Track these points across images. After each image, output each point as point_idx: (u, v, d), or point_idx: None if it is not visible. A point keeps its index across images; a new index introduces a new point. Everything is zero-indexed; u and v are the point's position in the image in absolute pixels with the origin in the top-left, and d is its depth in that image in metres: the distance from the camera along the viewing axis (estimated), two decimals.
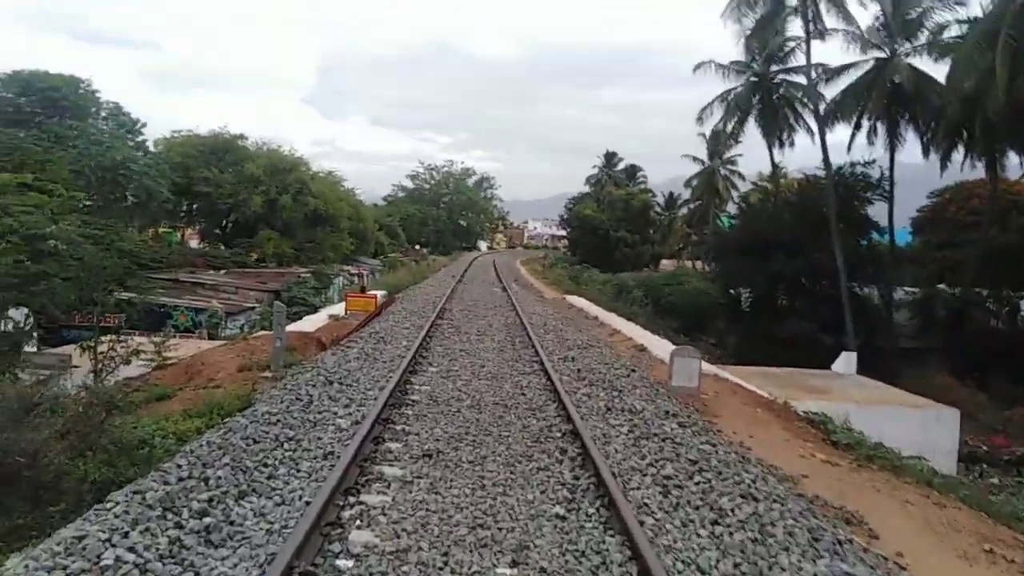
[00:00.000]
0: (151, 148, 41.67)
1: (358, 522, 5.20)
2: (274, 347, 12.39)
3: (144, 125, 39.53)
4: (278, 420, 7.14)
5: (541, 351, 12.66)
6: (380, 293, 24.52)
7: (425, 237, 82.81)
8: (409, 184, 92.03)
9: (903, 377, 27.04)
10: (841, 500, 7.49)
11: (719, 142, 54.03)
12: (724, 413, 11.21)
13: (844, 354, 25.74)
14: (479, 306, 21.21)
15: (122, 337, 13.75)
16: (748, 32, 34.62)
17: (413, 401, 8.98)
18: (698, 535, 5.21)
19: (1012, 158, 34.89)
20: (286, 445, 6.54)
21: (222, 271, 39.84)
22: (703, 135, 57.35)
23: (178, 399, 11.36)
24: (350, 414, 8.02)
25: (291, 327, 18.06)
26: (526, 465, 6.64)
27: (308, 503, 5.24)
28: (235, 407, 9.57)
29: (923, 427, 20.47)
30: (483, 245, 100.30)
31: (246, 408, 9.05)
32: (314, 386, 8.80)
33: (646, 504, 5.77)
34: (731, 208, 58.06)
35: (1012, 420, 27.16)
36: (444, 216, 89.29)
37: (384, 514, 5.33)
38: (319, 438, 6.97)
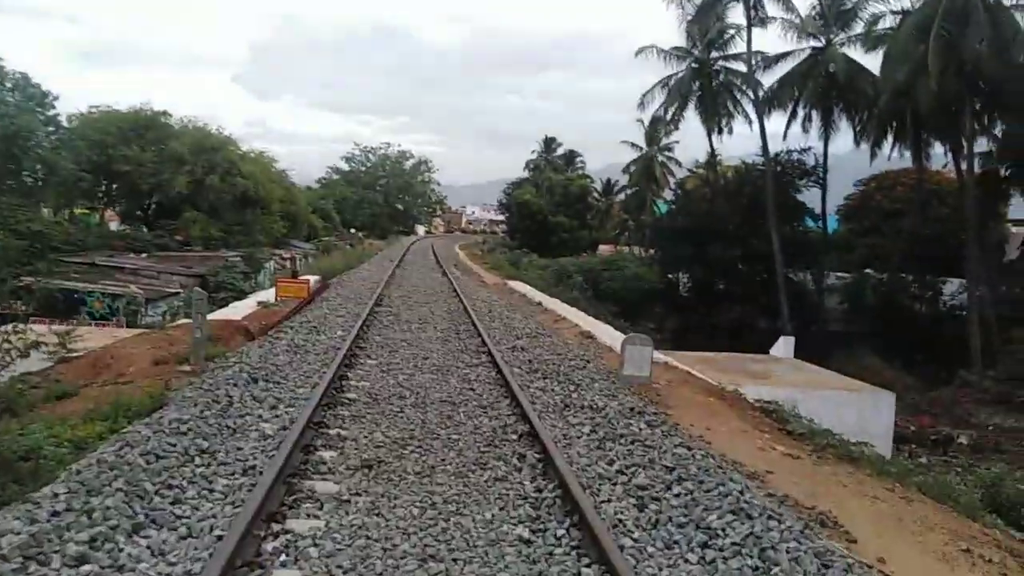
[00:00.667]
0: (64, 124, 38.74)
1: (283, 557, 4.24)
2: (194, 338, 11.14)
3: (56, 98, 36.70)
4: (189, 428, 6.05)
5: (488, 340, 11.79)
6: (313, 278, 23.18)
7: (361, 220, 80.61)
8: (344, 166, 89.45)
9: (835, 360, 27.35)
10: (812, 499, 6.94)
11: (657, 129, 53.86)
12: (678, 403, 10.60)
13: (782, 339, 25.80)
14: (419, 292, 20.18)
15: (19, 326, 12.25)
16: (689, 17, 34.31)
17: (350, 400, 7.99)
18: (686, 561, 4.45)
19: (937, 148, 35.81)
20: (197, 460, 5.48)
21: (143, 255, 37.49)
22: (641, 122, 57.15)
23: (82, 398, 10.04)
24: (277, 417, 6.98)
25: (216, 315, 16.68)
26: (481, 475, 5.77)
27: (220, 536, 4.24)
28: (145, 407, 8.37)
29: (860, 410, 20.56)
30: (421, 229, 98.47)
31: (157, 409, 7.91)
32: (235, 384, 7.68)
33: (621, 521, 4.97)
34: (668, 195, 58.20)
35: (936, 401, 27.84)
36: (380, 199, 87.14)
37: (315, 544, 4.39)
38: (239, 448, 5.93)
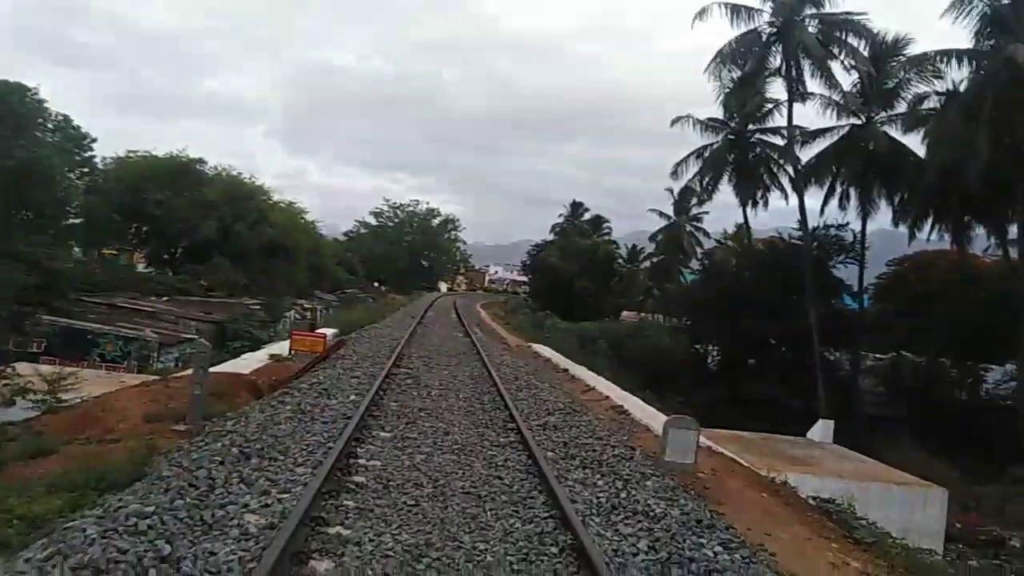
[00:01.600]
0: (99, 166, 38.72)
1: None
2: (192, 395, 9.92)
3: (94, 140, 36.74)
4: (151, 526, 4.74)
5: (516, 414, 10.43)
6: (331, 332, 22.04)
7: (385, 275, 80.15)
8: (372, 221, 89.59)
9: (872, 447, 25.57)
10: None
11: (687, 199, 53.11)
12: (729, 500, 9.11)
13: (821, 422, 24.14)
14: (441, 353, 18.89)
15: (5, 370, 11.17)
16: (728, 90, 33.67)
17: (356, 486, 6.65)
18: None
19: (976, 231, 34.39)
20: (152, 574, 4.16)
21: (165, 298, 36.79)
22: (671, 191, 56.58)
23: (61, 456, 8.81)
24: (267, 507, 5.66)
25: (223, 367, 15.53)
26: None
27: None
28: (123, 477, 7.12)
29: (911, 506, 18.81)
30: (444, 286, 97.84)
31: (136, 481, 6.65)
32: (222, 462, 6.38)
33: None
34: (695, 264, 57.04)
35: (984, 497, 25.76)
36: (406, 255, 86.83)
37: None
38: (210, 555, 4.61)
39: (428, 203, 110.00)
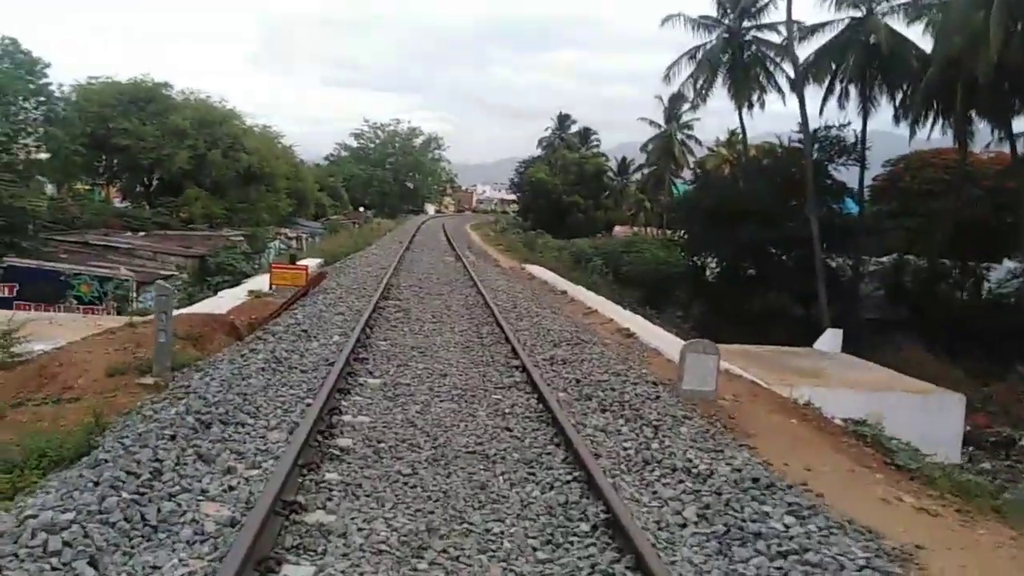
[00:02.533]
0: (58, 95, 36.17)
1: None
2: (157, 344, 8.80)
3: (47, 66, 34.08)
4: (75, 537, 3.64)
5: (519, 347, 9.39)
6: (314, 262, 20.81)
7: (370, 199, 78.03)
8: (353, 143, 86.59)
9: (877, 352, 24.93)
10: None
11: (677, 106, 51.15)
12: (757, 430, 8.23)
13: (829, 331, 23.35)
14: (432, 280, 17.74)
15: None
16: None
17: (341, 451, 5.59)
18: None
19: (977, 128, 32.95)
20: None
21: (141, 233, 35.14)
22: (660, 99, 54.47)
23: (7, 424, 7.76)
24: (229, 491, 4.61)
25: (199, 306, 14.41)
26: None
27: None
28: (73, 448, 6.07)
29: (927, 414, 18.19)
30: (431, 208, 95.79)
31: (82, 456, 5.60)
32: (174, 437, 5.26)
33: None
34: (687, 175, 55.53)
35: (991, 397, 25.45)
36: (390, 177, 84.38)
37: None
38: (152, 570, 3.57)
39: (409, 122, 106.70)
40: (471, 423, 6.52)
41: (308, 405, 6.50)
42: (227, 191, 43.05)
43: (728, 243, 31.81)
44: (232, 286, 19.21)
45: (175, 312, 14.14)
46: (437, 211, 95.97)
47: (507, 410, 6.96)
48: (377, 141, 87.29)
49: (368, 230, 44.89)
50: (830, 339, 22.65)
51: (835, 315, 29.20)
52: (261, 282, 16.79)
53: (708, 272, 35.61)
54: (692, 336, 25.23)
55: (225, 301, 14.57)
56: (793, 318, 31.26)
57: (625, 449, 5.93)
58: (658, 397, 7.39)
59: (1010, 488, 16.64)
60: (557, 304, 16.05)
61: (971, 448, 21.35)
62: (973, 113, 31.02)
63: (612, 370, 8.64)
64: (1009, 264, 34.70)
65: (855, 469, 7.83)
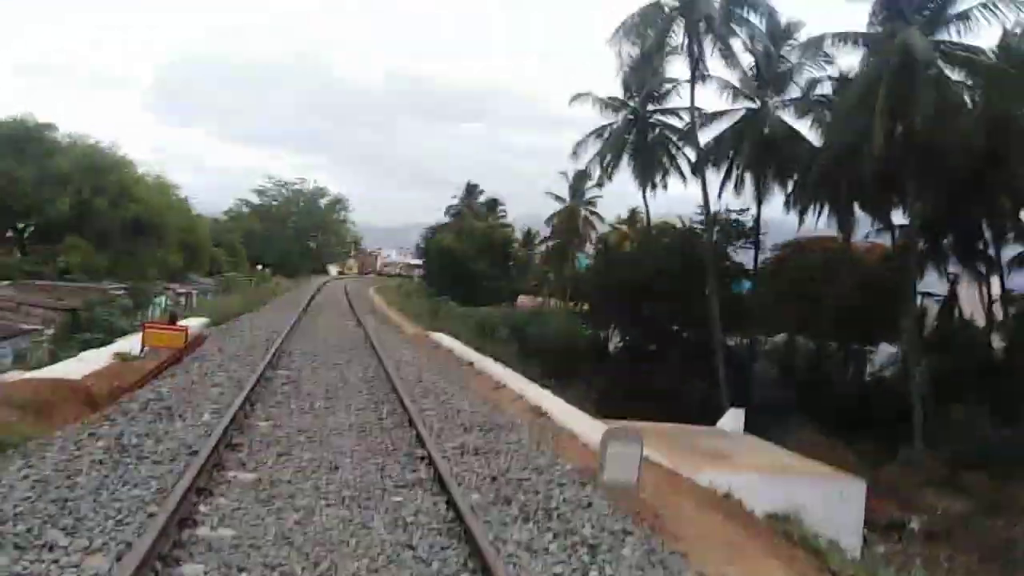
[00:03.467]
0: None
1: None
2: None
3: None
4: None
5: (426, 434, 8.07)
6: (198, 322, 18.74)
7: (270, 257, 74.74)
8: (255, 199, 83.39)
9: (771, 431, 24.96)
10: None
11: (582, 182, 51.99)
12: (687, 533, 7.24)
13: (732, 410, 23.11)
14: (329, 347, 16.12)
15: None
16: (628, 67, 32.17)
17: None
18: None
19: (861, 219, 34.73)
20: None
21: (6, 282, 31.50)
22: (565, 174, 55.32)
23: None
24: None
25: (52, 369, 12.30)
26: None
27: None
28: None
29: (830, 500, 17.86)
30: (333, 270, 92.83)
31: None
32: None
33: None
34: (589, 249, 56.22)
35: (880, 480, 25.77)
36: (292, 236, 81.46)
37: None
38: None
39: (315, 181, 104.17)
40: (364, 539, 5.13)
41: (151, 515, 4.94)
42: (112, 241, 39.66)
43: (631, 318, 31.72)
44: (102, 345, 16.88)
45: (24, 374, 11.96)
46: (340, 273, 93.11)
47: (410, 519, 5.62)
48: (280, 199, 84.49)
49: (265, 289, 42.30)
50: (733, 418, 22.40)
51: (732, 394, 29.29)
52: (133, 343, 14.71)
53: (611, 346, 35.32)
54: (594, 410, 24.44)
55: (84, 364, 12.49)
56: (693, 395, 31.15)
57: None
58: (590, 504, 6.23)
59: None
60: (465, 377, 14.82)
61: (865, 531, 21.21)
62: (856, 204, 32.73)
63: (532, 464, 7.45)
64: (888, 348, 36.27)
65: None
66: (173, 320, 16.37)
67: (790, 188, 34.19)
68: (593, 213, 57.65)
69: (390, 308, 36.75)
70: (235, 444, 7.27)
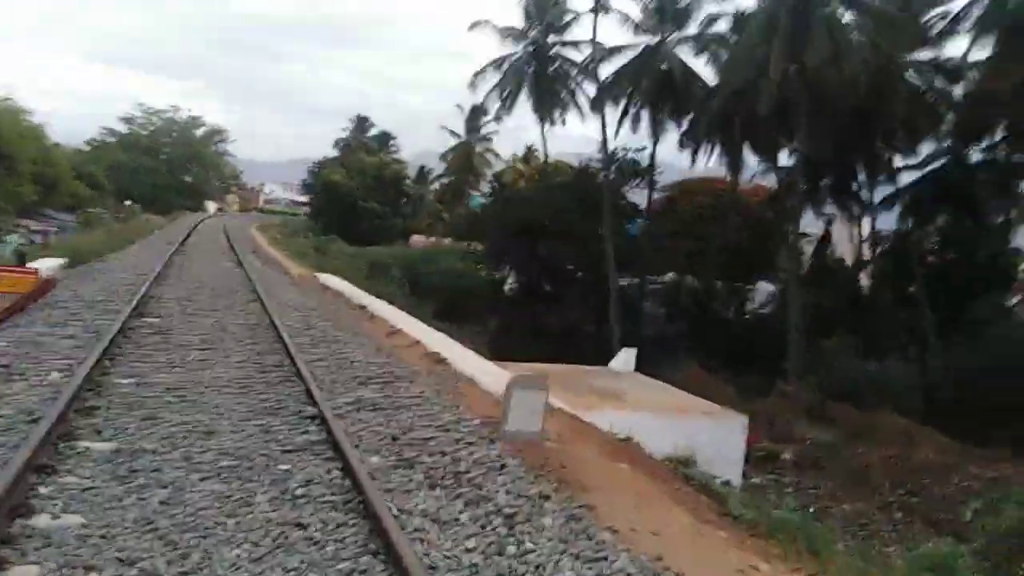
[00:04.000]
0: None
1: None
2: None
3: None
4: None
5: (316, 389, 7.33)
6: (53, 264, 16.76)
7: (140, 192, 69.07)
8: (122, 129, 76.45)
9: (660, 368, 25.79)
10: None
11: (478, 118, 50.79)
12: (593, 481, 7.01)
13: (624, 350, 23.50)
14: (205, 292, 14.77)
15: None
16: None
17: None
18: None
19: (749, 160, 35.77)
20: None
21: None
22: (460, 108, 53.90)
23: None
24: None
25: None
26: None
27: None
28: None
29: (716, 436, 18.62)
30: (212, 206, 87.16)
31: None
32: None
33: None
34: (484, 187, 55.47)
35: (757, 413, 27.21)
36: (164, 169, 75.56)
37: None
38: None
39: (190, 110, 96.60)
40: (245, 519, 4.43)
41: None
42: None
43: (526, 258, 31.53)
44: None
45: None
46: (219, 209, 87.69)
47: (299, 491, 4.94)
48: (151, 128, 77.90)
49: (133, 226, 38.99)
50: (625, 358, 22.74)
51: (624, 333, 29.92)
52: None
53: (507, 287, 35.15)
54: (489, 353, 24.28)
55: None
56: (586, 335, 31.61)
57: (470, 556, 4.21)
58: (503, 466, 5.75)
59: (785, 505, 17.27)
60: (357, 323, 13.98)
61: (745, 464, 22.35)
62: (746, 145, 33.59)
63: (436, 420, 6.89)
64: (767, 286, 38.11)
65: (700, 529, 6.86)
66: (22, 261, 14.48)
67: (685, 127, 34.65)
68: (489, 150, 56.75)
69: (274, 248, 34.81)
70: (89, 408, 6.27)
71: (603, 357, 24.70)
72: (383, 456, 5.80)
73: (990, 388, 24.49)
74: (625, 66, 32.75)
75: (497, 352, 25.20)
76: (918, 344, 28.16)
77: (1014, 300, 30.77)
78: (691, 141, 34.37)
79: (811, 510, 19.04)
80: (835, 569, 6.54)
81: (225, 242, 31.36)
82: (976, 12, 24.45)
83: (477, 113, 49.21)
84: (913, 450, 21.39)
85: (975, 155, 29.66)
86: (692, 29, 32.61)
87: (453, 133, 54.90)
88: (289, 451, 5.76)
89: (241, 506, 4.64)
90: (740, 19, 29.76)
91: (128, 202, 62.13)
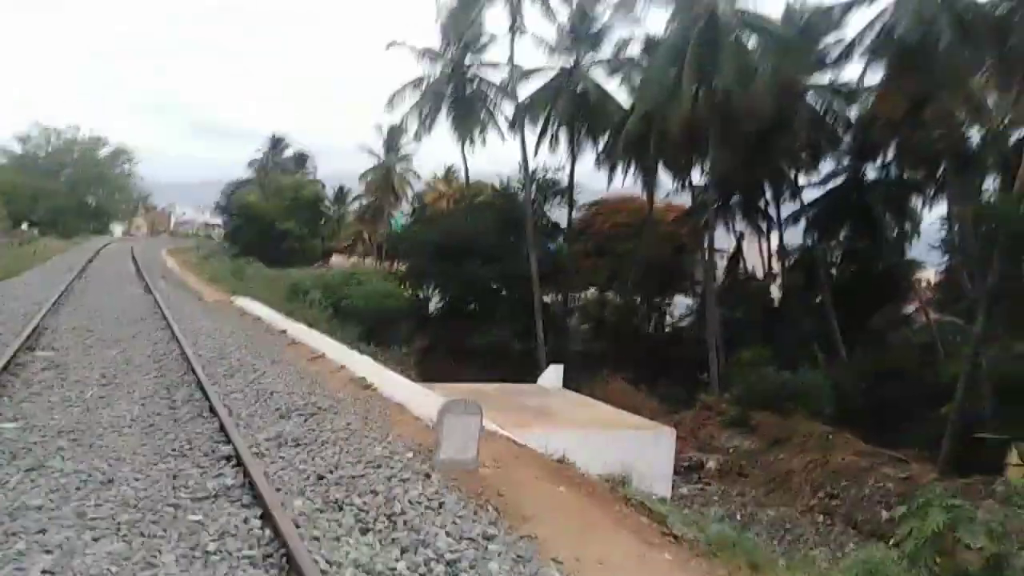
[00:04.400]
0: None
1: None
2: None
3: None
4: None
5: (231, 426, 6.65)
6: None
7: (38, 216, 64.74)
8: (17, 149, 71.66)
9: (586, 384, 25.88)
10: None
11: (396, 138, 50.11)
12: (533, 508, 6.66)
13: (552, 367, 23.31)
14: (109, 321, 13.62)
15: None
16: (447, 16, 30.90)
17: None
18: None
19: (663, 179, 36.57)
20: None
21: None
22: (379, 128, 53.12)
23: None
24: None
25: None
26: None
27: None
28: None
29: (643, 449, 18.55)
30: (118, 229, 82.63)
31: None
32: None
33: None
34: (405, 207, 54.77)
35: (681, 424, 27.56)
36: (65, 191, 71.15)
37: None
38: None
39: (91, 130, 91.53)
40: None
41: None
42: None
43: (451, 278, 31.07)
44: None
45: None
46: (126, 233, 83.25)
47: (212, 547, 4.33)
48: (50, 148, 73.33)
49: (28, 251, 36.31)
50: (553, 375, 22.54)
51: (551, 349, 29.82)
52: None
53: (431, 307, 34.54)
54: (416, 374, 23.56)
55: None
56: (513, 353, 31.31)
57: None
58: (441, 504, 5.27)
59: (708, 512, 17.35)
60: (277, 349, 13.16)
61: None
62: (660, 164, 34.33)
63: (366, 454, 6.35)
64: (684, 300, 38.92)
65: (644, 553, 6.59)
66: None
67: (601, 147, 35.10)
68: (408, 170, 56.05)
69: (186, 271, 33.03)
70: None
71: (530, 374, 24.47)
72: (308, 499, 5.22)
73: (893, 392, 25.60)
74: (542, 88, 32.98)
75: (424, 373, 24.57)
76: (827, 352, 29.20)
77: (910, 308, 32.40)
78: (608, 161, 34.87)
79: (738, 517, 19.34)
80: None
81: (132, 267, 29.50)
82: (868, 39, 25.76)
83: (396, 133, 48.54)
84: (830, 454, 21.99)
85: (871, 173, 31.22)
86: (606, 52, 33.15)
87: (371, 153, 53.99)
88: (201, 499, 5.11)
89: (143, 568, 4.01)
90: (651, 44, 30.46)
91: (25, 226, 58.10)
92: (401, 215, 53.75)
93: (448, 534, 4.71)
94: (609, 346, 34.47)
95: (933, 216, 31.10)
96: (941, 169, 28.23)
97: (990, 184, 27.94)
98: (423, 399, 10.42)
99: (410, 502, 5.20)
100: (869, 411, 25.04)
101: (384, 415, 8.86)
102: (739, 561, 6.64)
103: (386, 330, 32.92)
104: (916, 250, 32.48)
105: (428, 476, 5.92)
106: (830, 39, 27.89)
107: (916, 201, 31.42)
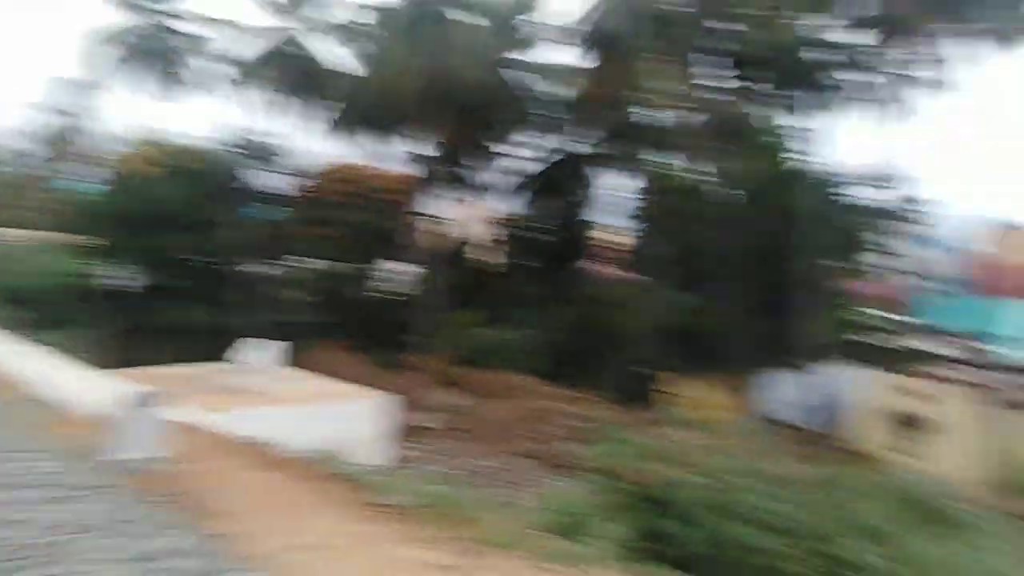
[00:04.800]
0: None
1: None
2: None
3: None
4: None
5: None
6: None
7: None
8: None
9: (303, 355, 24.98)
10: None
11: (82, 93, 42.85)
12: (233, 502, 6.42)
13: (257, 342, 22.04)
14: None
15: None
16: None
17: None
18: None
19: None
20: None
21: None
22: (58, 80, 44.90)
23: None
24: None
25: None
26: None
27: None
28: None
29: (360, 418, 18.81)
30: None
31: None
32: None
33: None
34: (85, 171, 47.16)
35: (397, 388, 28.02)
36: None
37: None
38: None
39: None
40: None
41: None
42: None
43: (140, 250, 27.64)
44: None
45: None
46: None
47: None
48: None
49: None
50: (262, 350, 21.24)
51: (260, 323, 28.09)
52: None
53: (128, 285, 30.39)
54: (110, 361, 20.84)
55: None
56: (223, 330, 28.93)
57: None
58: (127, 521, 4.62)
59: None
60: None
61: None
62: (380, 132, 33.91)
63: (27, 472, 5.34)
64: (400, 267, 39.33)
65: (354, 528, 6.66)
66: None
67: (321, 112, 33.62)
68: (94, 131, 48.19)
69: None
70: None
71: (240, 351, 22.89)
72: None
73: (587, 342, 28.75)
74: (263, 50, 30.44)
75: (124, 358, 21.64)
76: (527, 310, 31.55)
77: (607, 269, 36.38)
78: (335, 129, 33.66)
79: (461, 472, 20.22)
80: (481, 533, 6.71)
81: None
82: (585, 27, 28.00)
83: (80, 89, 41.41)
84: (530, 401, 24.12)
85: (579, 148, 33.91)
86: (336, 19, 31.49)
87: (44, 110, 45.41)
88: None
89: None
90: (388, 12, 29.72)
91: None
92: (79, 180, 46.20)
93: (118, 560, 4.15)
94: (331, 316, 33.62)
95: (632, 188, 34.84)
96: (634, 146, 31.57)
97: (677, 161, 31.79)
98: (99, 390, 9.19)
99: (80, 526, 4.47)
100: (569, 362, 27.84)
101: (45, 419, 7.64)
102: (452, 519, 6.86)
103: (66, 313, 28.29)
104: (611, 218, 36.45)
105: (101, 488, 5.18)
106: (548, 21, 29.57)
107: (619, 175, 34.89)
